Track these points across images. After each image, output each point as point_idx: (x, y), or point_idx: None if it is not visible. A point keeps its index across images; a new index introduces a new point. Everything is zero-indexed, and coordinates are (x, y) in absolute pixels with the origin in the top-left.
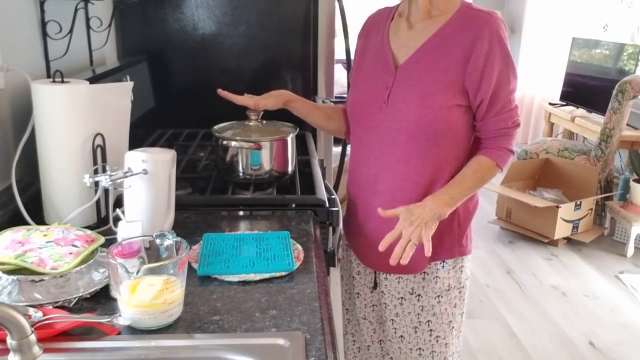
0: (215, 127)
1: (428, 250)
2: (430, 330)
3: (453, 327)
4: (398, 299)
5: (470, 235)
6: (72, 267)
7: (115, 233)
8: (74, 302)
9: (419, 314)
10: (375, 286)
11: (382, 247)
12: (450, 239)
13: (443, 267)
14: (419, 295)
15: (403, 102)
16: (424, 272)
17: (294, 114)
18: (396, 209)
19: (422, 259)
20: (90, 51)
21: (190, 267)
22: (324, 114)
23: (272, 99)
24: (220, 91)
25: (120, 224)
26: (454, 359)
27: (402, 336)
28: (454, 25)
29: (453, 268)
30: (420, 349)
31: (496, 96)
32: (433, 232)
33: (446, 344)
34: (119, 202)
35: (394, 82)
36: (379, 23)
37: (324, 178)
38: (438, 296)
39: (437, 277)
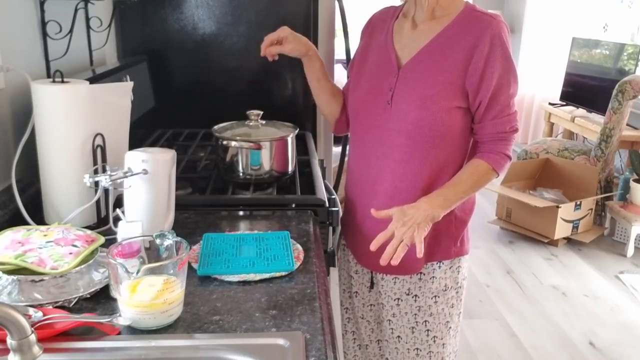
0: (215, 127)
1: (420, 252)
2: (427, 330)
3: (450, 328)
4: (395, 299)
5: (468, 236)
6: (72, 267)
7: (115, 233)
8: (74, 302)
9: (415, 314)
10: (372, 285)
11: (373, 246)
12: (446, 240)
13: (439, 267)
14: (416, 295)
15: (404, 103)
16: (421, 273)
17: (306, 72)
18: (390, 209)
19: (417, 260)
20: (90, 51)
21: (190, 267)
22: (331, 90)
23: (293, 44)
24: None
25: (120, 224)
26: (451, 359)
27: (399, 336)
28: (457, 27)
29: (450, 268)
30: (417, 349)
31: (495, 99)
32: (426, 233)
33: (443, 344)
34: (119, 202)
35: (396, 82)
36: (383, 22)
37: (324, 178)
38: (435, 296)
39: (433, 277)
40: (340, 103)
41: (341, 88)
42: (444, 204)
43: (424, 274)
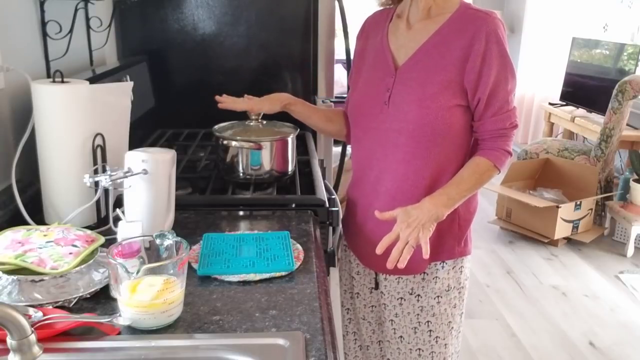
0: (216, 127)
1: (426, 253)
2: (430, 330)
3: (452, 328)
4: (397, 299)
5: (470, 236)
6: (72, 267)
7: (115, 233)
8: (74, 302)
9: (418, 314)
10: (376, 286)
11: (379, 250)
12: (450, 239)
13: (443, 267)
14: (419, 295)
15: (403, 103)
16: (424, 273)
17: (294, 117)
18: (393, 210)
19: (422, 260)
20: (90, 51)
21: (190, 267)
22: (324, 117)
23: (268, 103)
24: (218, 98)
25: (120, 224)
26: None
27: (401, 337)
28: (453, 25)
29: (453, 268)
30: (419, 349)
31: (494, 96)
32: (431, 233)
33: (445, 344)
34: (119, 202)
35: (394, 83)
36: (377, 24)
37: (324, 178)
38: (437, 297)
39: (436, 277)
40: (342, 120)
41: (340, 87)
42: (447, 203)
43: (427, 274)
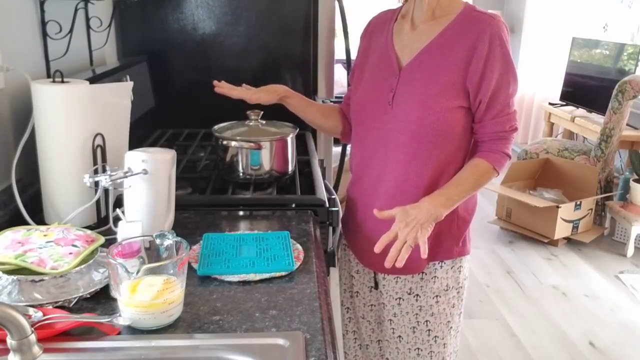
0: (215, 127)
1: (424, 252)
2: (429, 330)
3: (451, 328)
4: (396, 299)
5: (469, 236)
6: (72, 267)
7: (115, 233)
8: (74, 302)
9: (417, 314)
10: (376, 286)
11: (377, 249)
12: (449, 239)
13: (441, 267)
14: (417, 295)
15: (406, 103)
16: (422, 272)
17: (290, 110)
18: (392, 209)
19: (420, 259)
20: (90, 51)
21: (190, 267)
22: (320, 112)
23: (266, 94)
24: (216, 83)
25: (120, 224)
26: (452, 359)
27: (400, 336)
28: (457, 27)
29: (451, 268)
30: (418, 349)
31: (495, 98)
32: (429, 233)
33: (444, 344)
34: (119, 202)
35: (398, 83)
36: (382, 25)
37: (324, 178)
38: (436, 296)
39: (435, 277)
40: (336, 117)
41: (340, 87)
42: (446, 204)
43: (426, 274)
